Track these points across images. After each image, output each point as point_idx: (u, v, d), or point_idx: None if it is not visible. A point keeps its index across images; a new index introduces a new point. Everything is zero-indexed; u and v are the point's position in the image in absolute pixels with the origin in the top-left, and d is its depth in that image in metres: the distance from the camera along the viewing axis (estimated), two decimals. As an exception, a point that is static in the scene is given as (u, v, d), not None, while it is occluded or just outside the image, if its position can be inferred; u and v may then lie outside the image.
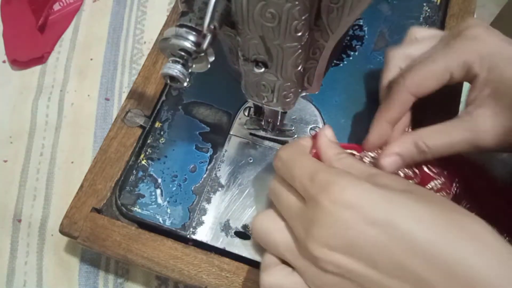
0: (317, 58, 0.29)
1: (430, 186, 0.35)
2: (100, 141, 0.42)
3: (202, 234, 0.38)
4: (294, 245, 0.29)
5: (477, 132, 0.31)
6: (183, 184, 0.40)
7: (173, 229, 0.38)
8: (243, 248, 0.37)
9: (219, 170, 0.40)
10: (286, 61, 0.27)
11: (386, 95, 0.35)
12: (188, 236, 0.38)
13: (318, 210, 0.26)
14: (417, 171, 0.35)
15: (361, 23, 0.46)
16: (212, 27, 0.25)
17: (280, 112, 0.37)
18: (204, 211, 0.38)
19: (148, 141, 0.42)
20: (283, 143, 0.41)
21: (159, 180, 0.40)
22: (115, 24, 0.53)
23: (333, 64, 0.44)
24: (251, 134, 0.41)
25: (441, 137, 0.32)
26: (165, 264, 0.36)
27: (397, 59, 0.36)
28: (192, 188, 0.39)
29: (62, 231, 0.38)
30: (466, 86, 0.38)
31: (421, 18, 0.45)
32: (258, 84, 0.31)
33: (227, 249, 0.37)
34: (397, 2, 0.46)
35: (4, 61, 0.52)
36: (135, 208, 0.39)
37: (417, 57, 0.34)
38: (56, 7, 0.54)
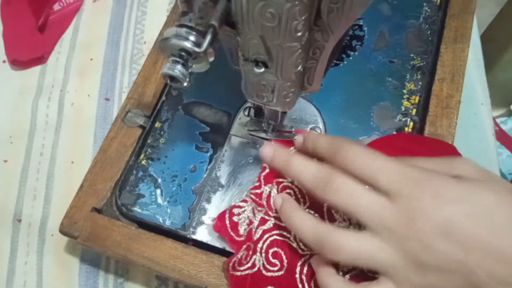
0: (317, 58, 0.29)
1: None
2: (100, 141, 0.42)
3: (202, 234, 0.38)
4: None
5: None
6: (183, 184, 0.40)
7: (173, 229, 0.38)
8: (243, 248, 0.37)
9: (219, 170, 0.40)
10: (286, 61, 0.27)
11: None
12: (188, 236, 0.38)
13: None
14: None
15: (361, 23, 0.46)
16: (212, 27, 0.25)
17: (280, 112, 0.37)
18: (204, 211, 0.38)
19: (148, 141, 0.42)
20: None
21: (159, 180, 0.40)
22: (115, 24, 0.53)
23: (333, 64, 0.43)
24: (251, 134, 0.41)
25: None
26: (165, 264, 0.36)
27: None
28: (192, 188, 0.39)
29: (62, 231, 0.38)
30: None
31: (421, 18, 0.45)
32: (258, 84, 0.31)
33: (227, 249, 0.37)
34: (397, 2, 0.46)
35: (4, 61, 0.52)
36: (135, 208, 0.39)
37: None
38: (56, 7, 0.54)
